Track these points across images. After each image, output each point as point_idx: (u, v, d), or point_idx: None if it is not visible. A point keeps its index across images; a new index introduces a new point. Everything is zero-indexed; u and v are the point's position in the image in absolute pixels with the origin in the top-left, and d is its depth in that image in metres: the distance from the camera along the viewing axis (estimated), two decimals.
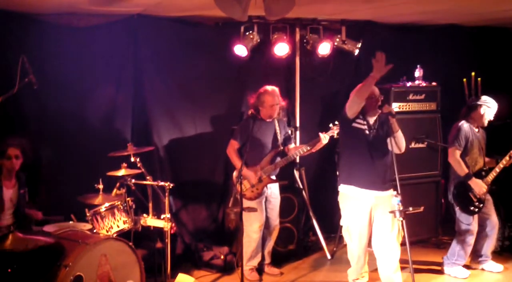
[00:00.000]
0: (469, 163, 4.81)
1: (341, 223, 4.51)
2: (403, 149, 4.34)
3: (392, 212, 3.96)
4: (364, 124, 4.30)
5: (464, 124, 4.84)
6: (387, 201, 4.19)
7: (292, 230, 5.46)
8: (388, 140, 4.18)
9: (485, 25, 6.37)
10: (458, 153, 4.78)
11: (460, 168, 4.77)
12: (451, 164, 4.86)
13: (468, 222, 4.80)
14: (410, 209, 3.92)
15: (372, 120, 4.31)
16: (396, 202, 3.93)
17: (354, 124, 4.30)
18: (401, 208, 3.88)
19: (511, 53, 6.61)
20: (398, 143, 4.26)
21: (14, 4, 4.60)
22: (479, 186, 4.76)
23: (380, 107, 4.25)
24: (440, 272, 5.07)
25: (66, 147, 5.12)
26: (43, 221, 4.42)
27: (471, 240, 4.85)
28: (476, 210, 4.79)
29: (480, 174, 4.84)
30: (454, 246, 4.94)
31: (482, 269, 5.10)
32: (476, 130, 4.92)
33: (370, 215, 4.32)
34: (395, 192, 4.09)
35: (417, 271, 5.00)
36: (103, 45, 5.18)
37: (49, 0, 4.50)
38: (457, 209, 4.85)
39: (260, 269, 5.11)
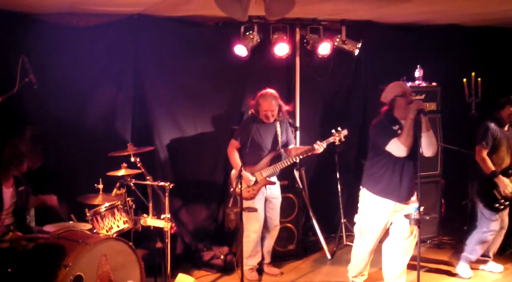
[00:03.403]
0: (495, 161, 4.77)
1: (355, 219, 4.43)
2: (434, 151, 4.15)
3: (407, 216, 3.88)
4: (397, 129, 4.08)
5: (492, 123, 4.80)
6: (408, 207, 4.14)
7: (292, 230, 5.46)
8: (419, 141, 3.93)
9: (485, 25, 6.37)
10: (484, 151, 4.74)
11: (486, 166, 4.73)
12: (477, 162, 4.80)
13: (492, 219, 4.76)
14: (427, 217, 3.84)
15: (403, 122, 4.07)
16: (413, 209, 3.84)
17: (391, 130, 4.09)
18: (417, 215, 3.78)
19: (511, 53, 6.61)
20: (430, 143, 4.07)
21: (14, 4, 4.60)
22: (504, 184, 4.71)
23: (411, 103, 4.04)
24: (440, 271, 5.07)
25: (66, 147, 5.12)
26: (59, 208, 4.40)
27: (489, 236, 4.81)
28: (502, 207, 4.76)
29: (506, 173, 4.80)
30: (471, 241, 4.89)
31: (482, 269, 5.10)
32: (506, 129, 4.86)
33: (388, 220, 4.25)
34: (415, 198, 4.02)
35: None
36: (103, 45, 5.18)
37: (49, 0, 4.50)
38: (480, 205, 4.81)
39: (260, 269, 5.12)
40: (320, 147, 4.73)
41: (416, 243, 3.99)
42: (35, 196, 4.34)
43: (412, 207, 3.89)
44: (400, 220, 4.18)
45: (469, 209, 5.83)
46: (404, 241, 4.24)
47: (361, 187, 4.38)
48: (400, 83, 4.32)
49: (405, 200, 4.17)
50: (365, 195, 4.32)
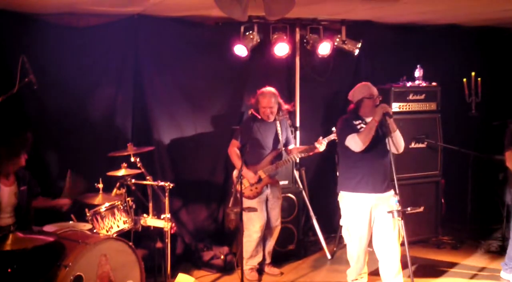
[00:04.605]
0: None
1: (341, 223, 4.51)
2: (400, 150, 4.34)
3: (391, 212, 3.97)
4: (361, 125, 4.28)
5: None
6: (388, 201, 4.21)
7: (292, 230, 5.46)
8: (386, 140, 4.16)
9: (485, 25, 6.37)
10: None
11: None
12: (508, 168, 4.69)
13: None
14: (409, 209, 3.93)
15: (369, 120, 4.26)
16: (394, 202, 3.94)
17: (352, 126, 4.29)
18: (399, 208, 3.89)
19: (511, 53, 6.61)
20: (396, 143, 4.25)
21: (14, 4, 4.60)
22: None
23: (377, 106, 4.23)
24: (440, 273, 5.07)
25: (66, 147, 5.12)
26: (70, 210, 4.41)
27: None
28: None
29: None
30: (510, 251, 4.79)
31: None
32: None
33: (371, 216, 4.31)
34: (393, 192, 4.10)
35: (417, 271, 5.03)
36: (103, 45, 5.18)
37: (50, 0, 4.50)
38: None
39: (260, 269, 5.12)
40: (321, 144, 4.74)
41: (403, 240, 4.01)
42: (49, 199, 4.35)
43: (393, 200, 3.99)
44: (382, 215, 4.24)
45: (469, 210, 5.85)
46: (389, 236, 4.27)
47: (337, 191, 4.49)
48: (369, 84, 4.41)
49: (381, 190, 4.27)
50: (343, 197, 4.43)
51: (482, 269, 5.12)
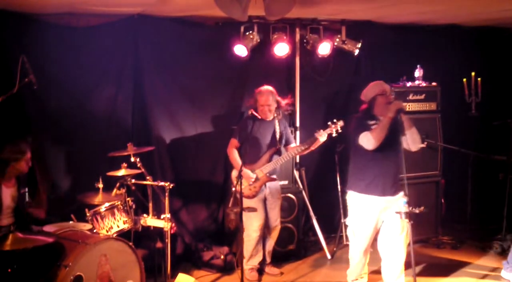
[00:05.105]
0: None
1: (347, 221, 4.48)
2: (415, 148, 4.27)
3: (399, 212, 3.94)
4: (373, 124, 4.20)
5: None
6: (397, 203, 4.17)
7: (292, 230, 5.46)
8: (401, 139, 4.09)
9: (485, 25, 6.37)
10: None
11: None
12: None
13: None
14: (416, 210, 3.89)
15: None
16: (403, 203, 3.92)
17: (365, 125, 4.21)
18: (407, 209, 3.86)
19: (511, 53, 6.61)
20: (412, 141, 4.18)
21: (14, 4, 4.60)
22: None
23: (390, 103, 4.15)
24: (440, 273, 5.07)
25: (66, 147, 5.12)
26: (45, 220, 4.42)
27: None
28: None
29: None
30: None
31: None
32: None
33: (378, 218, 4.27)
34: (403, 193, 4.07)
35: (417, 271, 5.02)
36: (103, 45, 5.18)
37: (49, 0, 4.50)
38: None
39: (260, 269, 5.12)
40: (321, 136, 4.73)
41: (409, 242, 4.00)
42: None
43: (401, 201, 3.98)
44: (391, 217, 4.21)
45: (469, 210, 5.85)
46: (397, 238, 4.25)
47: (347, 190, 4.46)
48: (381, 82, 4.37)
49: (390, 193, 4.22)
50: (351, 196, 4.39)
51: (482, 268, 5.12)
